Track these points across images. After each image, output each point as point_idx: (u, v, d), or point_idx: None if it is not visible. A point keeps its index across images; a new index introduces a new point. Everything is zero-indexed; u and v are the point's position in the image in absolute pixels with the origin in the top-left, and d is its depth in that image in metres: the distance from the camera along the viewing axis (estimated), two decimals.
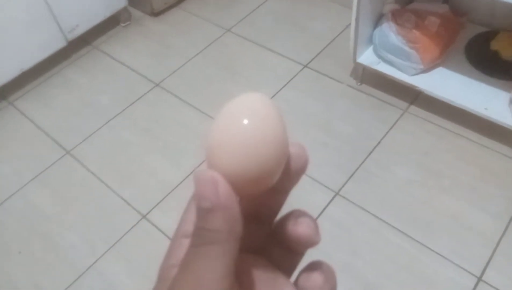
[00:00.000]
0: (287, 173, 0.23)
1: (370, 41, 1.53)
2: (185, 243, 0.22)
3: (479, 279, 1.11)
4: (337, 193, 1.31)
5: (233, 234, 0.20)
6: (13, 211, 1.40)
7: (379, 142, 1.42)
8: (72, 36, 1.79)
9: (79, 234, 1.31)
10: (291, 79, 1.65)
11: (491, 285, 1.09)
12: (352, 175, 1.35)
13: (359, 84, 1.60)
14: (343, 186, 1.32)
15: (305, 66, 1.69)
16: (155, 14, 1.99)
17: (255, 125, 0.21)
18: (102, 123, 1.60)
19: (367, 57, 1.52)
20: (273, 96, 1.60)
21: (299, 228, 0.23)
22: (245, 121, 0.21)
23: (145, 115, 1.62)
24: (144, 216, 1.33)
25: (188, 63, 1.78)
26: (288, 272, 0.25)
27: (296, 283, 0.24)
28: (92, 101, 1.70)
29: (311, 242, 0.23)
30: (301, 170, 0.24)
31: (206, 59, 1.79)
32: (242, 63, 1.75)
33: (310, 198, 1.30)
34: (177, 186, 1.39)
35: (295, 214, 0.24)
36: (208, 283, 0.20)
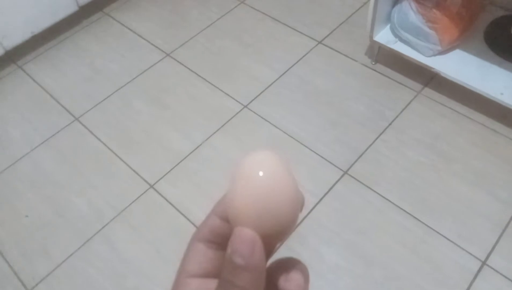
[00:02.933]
0: None
1: (388, 19, 1.49)
2: (191, 283, 0.24)
3: (484, 263, 1.11)
4: (345, 172, 1.30)
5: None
6: (22, 174, 1.40)
7: (390, 123, 1.40)
8: (84, 1, 1.76)
9: (87, 200, 1.32)
10: (304, 55, 1.62)
11: (495, 270, 1.09)
12: (361, 155, 1.34)
13: (373, 63, 1.57)
14: (352, 165, 1.32)
15: (320, 42, 1.66)
16: None
17: (274, 186, 0.22)
18: (112, 91, 1.59)
19: (384, 36, 1.49)
20: (285, 71, 1.58)
21: (290, 286, 0.23)
22: (265, 184, 0.22)
23: (156, 85, 1.60)
24: (151, 186, 1.33)
25: (200, 34, 1.75)
26: None
27: (274, 285, 0.25)
28: (102, 68, 1.68)
29: None
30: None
31: (218, 30, 1.76)
32: (255, 36, 1.72)
33: (319, 176, 1.30)
34: (185, 157, 1.39)
35: (287, 267, 0.24)
36: None
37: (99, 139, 1.46)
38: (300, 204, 0.24)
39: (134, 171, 1.37)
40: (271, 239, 0.23)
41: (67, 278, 1.18)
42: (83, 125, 1.51)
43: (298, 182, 0.23)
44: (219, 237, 0.25)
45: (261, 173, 0.23)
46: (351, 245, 1.17)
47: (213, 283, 0.25)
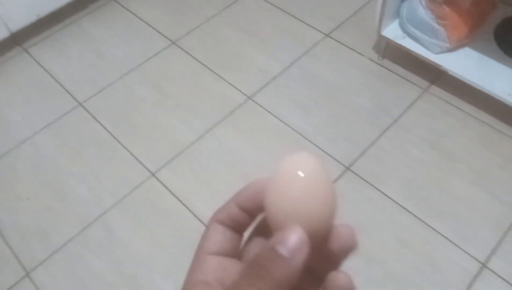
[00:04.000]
0: (332, 248, 0.25)
1: (396, 13, 1.47)
2: (211, 260, 0.25)
3: (483, 265, 1.10)
4: (347, 168, 1.29)
5: (286, 287, 0.21)
6: (24, 157, 1.40)
7: (395, 120, 1.39)
8: None
9: (88, 185, 1.32)
10: (311, 48, 1.60)
11: (495, 272, 1.09)
12: (364, 151, 1.33)
13: (380, 58, 1.55)
14: (354, 161, 1.31)
15: (327, 35, 1.64)
16: None
17: (315, 189, 0.23)
18: (116, 77, 1.59)
19: (392, 31, 1.47)
20: (291, 64, 1.56)
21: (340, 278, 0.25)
22: (308, 186, 0.23)
23: (160, 73, 1.59)
24: (153, 174, 1.33)
25: (206, 22, 1.74)
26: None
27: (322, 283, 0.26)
28: (107, 53, 1.67)
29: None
30: (348, 248, 0.26)
31: (224, 20, 1.74)
32: (261, 26, 1.70)
33: None
34: (188, 147, 1.38)
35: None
36: None
37: (102, 125, 1.46)
38: (337, 206, 0.24)
39: (135, 158, 1.37)
40: (314, 236, 0.23)
41: (65, 262, 1.19)
42: (86, 110, 1.51)
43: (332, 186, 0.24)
44: (236, 224, 0.26)
45: (302, 174, 0.23)
46: None
47: (231, 262, 0.26)
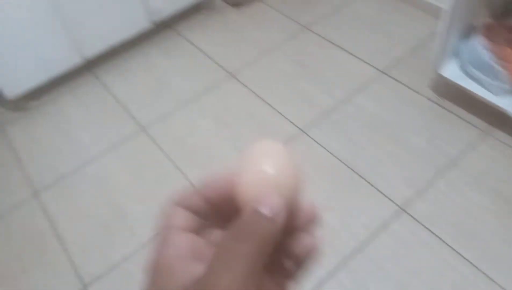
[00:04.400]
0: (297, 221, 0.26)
1: (454, 53, 1.46)
2: (181, 236, 0.25)
3: None
4: (401, 209, 1.28)
5: (270, 244, 0.23)
6: (88, 176, 1.50)
7: (453, 162, 1.36)
8: (157, 18, 1.87)
9: (145, 207, 1.39)
10: (367, 84, 1.62)
11: None
12: (420, 191, 1.30)
13: (438, 97, 1.53)
14: (408, 201, 1.29)
15: (382, 72, 1.65)
16: (237, 5, 2.03)
17: (283, 166, 0.25)
18: (177, 105, 1.68)
19: (450, 70, 1.46)
20: (345, 99, 1.58)
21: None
22: (276, 163, 0.25)
23: (217, 103, 1.67)
24: None
25: (263, 56, 1.80)
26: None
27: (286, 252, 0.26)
28: (169, 82, 1.77)
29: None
30: (310, 221, 0.26)
31: (281, 54, 1.80)
32: (318, 62, 1.74)
33: (373, 209, 1.28)
34: None
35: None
36: (239, 279, 0.21)
37: (162, 150, 1.54)
38: (301, 182, 0.26)
39: (190, 182, 1.43)
40: None
41: (121, 279, 1.24)
42: (148, 135, 1.60)
43: (297, 165, 0.26)
44: (200, 215, 0.26)
45: (272, 154, 0.25)
46: (401, 286, 1.14)
47: (201, 240, 0.26)
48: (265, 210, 0.23)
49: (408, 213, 1.26)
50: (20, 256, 1.33)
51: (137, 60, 1.89)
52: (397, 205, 1.28)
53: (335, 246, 1.21)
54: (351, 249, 1.21)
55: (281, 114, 1.58)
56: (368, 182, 1.34)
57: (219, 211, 0.27)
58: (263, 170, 0.25)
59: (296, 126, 1.53)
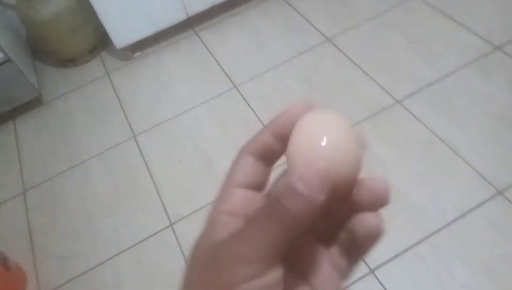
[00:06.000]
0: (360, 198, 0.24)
1: None
2: (238, 192, 0.25)
3: None
4: (500, 192, 1.18)
5: (302, 225, 0.21)
6: (182, 125, 1.59)
7: None
8: None
9: (230, 157, 1.44)
10: (476, 59, 1.49)
11: None
12: None
13: None
14: (509, 186, 1.18)
15: (497, 48, 1.51)
16: None
17: (341, 142, 0.23)
18: (270, 67, 1.69)
19: None
20: (450, 73, 1.47)
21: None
22: (331, 140, 0.23)
23: (310, 67, 1.65)
24: None
25: (365, 23, 1.74)
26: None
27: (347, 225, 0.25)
28: (266, 44, 1.79)
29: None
30: (378, 202, 0.24)
31: (384, 22, 1.72)
32: (424, 32, 1.63)
33: (468, 189, 1.20)
34: None
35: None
36: (255, 251, 0.21)
37: (251, 108, 1.57)
38: (360, 160, 0.23)
39: None
40: (335, 187, 0.22)
41: (203, 221, 1.31)
42: (239, 93, 1.64)
43: (359, 137, 0.24)
44: (269, 154, 0.26)
45: (331, 126, 0.23)
46: (487, 269, 1.06)
47: (258, 196, 0.25)
48: (301, 186, 0.21)
49: (505, 197, 1.16)
50: (117, 189, 1.47)
51: (237, 21, 1.93)
52: (496, 188, 1.19)
53: (420, 221, 1.16)
54: (437, 225, 1.15)
55: (377, 83, 1.52)
56: (467, 163, 1.25)
57: (286, 144, 0.25)
58: (314, 139, 0.23)
59: (392, 96, 1.47)
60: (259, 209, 0.22)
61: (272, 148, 0.25)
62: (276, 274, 0.21)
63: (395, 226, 1.15)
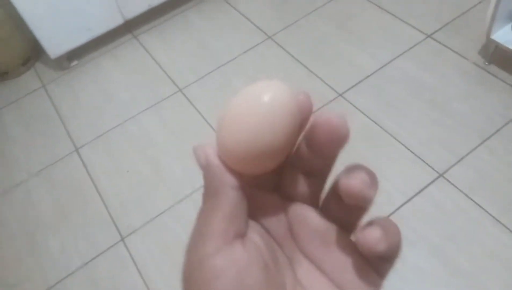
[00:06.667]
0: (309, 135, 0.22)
1: (509, 17, 1.37)
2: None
3: None
4: (441, 175, 1.24)
5: (226, 185, 0.22)
6: (128, 133, 1.54)
7: (498, 129, 1.30)
8: None
9: (182, 165, 1.41)
10: (410, 48, 1.55)
11: None
12: (461, 159, 1.26)
13: (486, 63, 1.45)
14: (449, 168, 1.24)
15: (429, 36, 1.57)
16: None
17: (261, 113, 0.20)
18: (214, 67, 1.67)
19: (503, 35, 1.37)
20: (388, 63, 1.52)
21: (351, 181, 0.20)
22: (254, 106, 0.21)
23: (254, 65, 1.65)
24: None
25: (304, 18, 1.76)
26: (348, 229, 0.24)
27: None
28: (208, 44, 1.77)
29: (363, 196, 0.20)
30: (337, 137, 0.21)
31: (322, 16, 1.75)
32: (361, 24, 1.68)
33: (411, 174, 1.25)
34: None
35: (350, 168, 0.21)
36: (211, 225, 0.21)
37: (197, 110, 1.55)
38: (292, 138, 0.21)
39: None
40: (250, 164, 0.21)
41: (157, 232, 1.28)
42: (185, 95, 1.61)
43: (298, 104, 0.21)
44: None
45: (253, 97, 0.21)
46: (437, 251, 1.11)
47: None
48: (201, 162, 0.23)
49: (446, 179, 1.22)
50: (62, 206, 1.40)
51: (177, 22, 1.89)
52: (437, 171, 1.24)
53: (369, 210, 1.19)
54: (385, 213, 1.19)
55: (318, 77, 1.55)
56: (407, 148, 1.30)
57: None
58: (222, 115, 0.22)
59: (333, 89, 1.50)
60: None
61: None
62: (239, 249, 0.21)
63: None
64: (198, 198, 1.32)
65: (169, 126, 1.53)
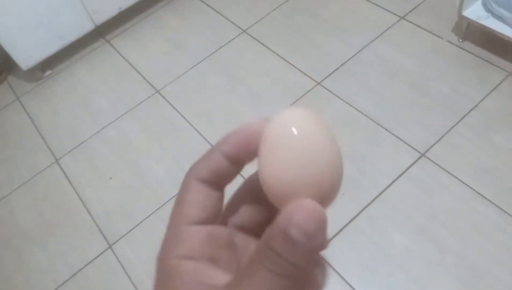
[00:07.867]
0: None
1: None
2: (195, 231, 0.21)
3: None
4: (422, 154, 1.24)
5: (304, 267, 0.18)
6: (107, 140, 1.52)
7: (476, 105, 1.31)
8: None
9: (164, 167, 1.40)
10: (384, 31, 1.55)
11: None
12: (441, 137, 1.26)
13: (460, 40, 1.46)
14: (430, 147, 1.25)
15: (402, 17, 1.58)
16: None
17: (313, 147, 0.19)
18: (190, 66, 1.65)
19: (475, 11, 1.38)
20: (363, 48, 1.52)
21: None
22: (303, 145, 0.19)
23: (231, 61, 1.63)
24: None
25: (277, 9, 1.75)
26: None
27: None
28: (182, 43, 1.75)
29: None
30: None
31: (295, 6, 1.74)
32: (333, 11, 1.67)
33: (394, 157, 1.25)
34: None
35: None
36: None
37: (177, 110, 1.53)
38: (342, 163, 0.20)
39: (208, 142, 1.42)
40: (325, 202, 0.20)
41: (144, 236, 1.27)
42: (163, 96, 1.59)
43: (337, 140, 0.20)
44: (222, 178, 0.22)
45: (296, 132, 0.19)
46: (423, 230, 1.12)
47: (217, 231, 0.22)
48: (297, 234, 0.17)
49: (428, 158, 1.23)
50: (46, 219, 1.37)
51: (149, 23, 1.86)
52: (418, 151, 1.25)
53: (355, 195, 1.20)
54: (371, 197, 1.19)
55: (296, 67, 1.54)
56: (389, 131, 1.30)
57: (241, 165, 0.22)
58: (286, 159, 0.19)
59: (312, 78, 1.49)
60: (252, 258, 0.19)
61: (226, 171, 0.22)
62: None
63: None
64: None
65: (149, 129, 1.52)
